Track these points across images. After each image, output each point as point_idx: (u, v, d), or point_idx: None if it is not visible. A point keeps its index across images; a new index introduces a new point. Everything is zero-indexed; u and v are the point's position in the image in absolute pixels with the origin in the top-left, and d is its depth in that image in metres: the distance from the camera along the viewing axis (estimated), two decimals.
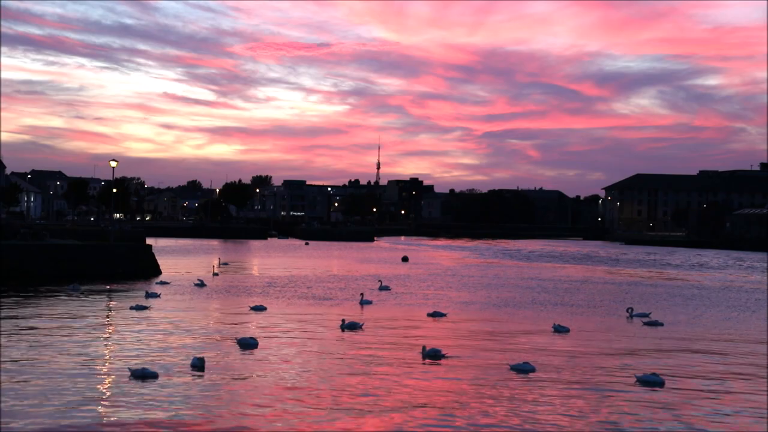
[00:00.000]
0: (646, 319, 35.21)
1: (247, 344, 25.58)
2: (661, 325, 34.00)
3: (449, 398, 19.20)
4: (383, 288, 47.42)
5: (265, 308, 35.95)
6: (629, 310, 37.81)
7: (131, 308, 34.98)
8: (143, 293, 40.69)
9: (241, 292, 44.81)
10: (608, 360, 25.12)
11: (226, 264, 63.44)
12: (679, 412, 18.36)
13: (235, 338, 26.49)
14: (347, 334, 29.35)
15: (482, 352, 26.08)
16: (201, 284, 47.10)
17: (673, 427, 17.12)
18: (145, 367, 20.95)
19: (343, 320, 30.95)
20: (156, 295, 40.06)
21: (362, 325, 30.65)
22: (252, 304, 37.07)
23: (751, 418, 18.05)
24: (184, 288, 45.82)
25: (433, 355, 24.33)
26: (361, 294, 41.41)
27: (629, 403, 18.98)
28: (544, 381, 21.27)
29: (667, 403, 19.10)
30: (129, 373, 20.53)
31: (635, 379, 21.44)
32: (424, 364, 23.60)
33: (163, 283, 47.33)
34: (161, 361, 22.58)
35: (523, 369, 22.37)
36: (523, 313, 38.36)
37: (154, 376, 20.33)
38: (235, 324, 31.60)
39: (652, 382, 21.08)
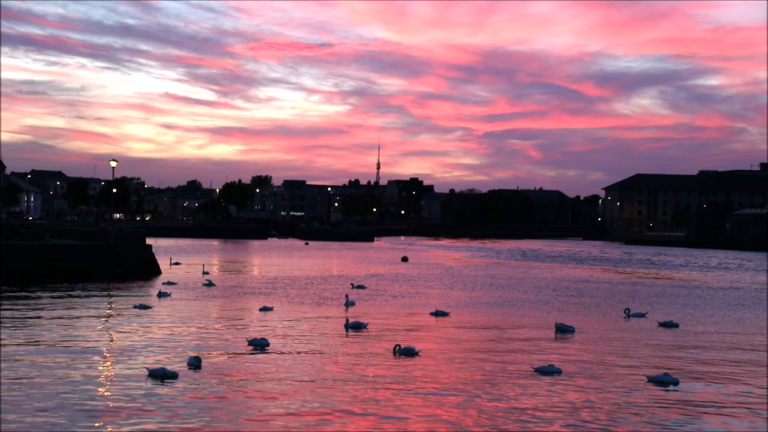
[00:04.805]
0: (662, 320, 34.81)
1: (259, 344, 25.47)
2: (677, 326, 33.72)
3: (471, 397, 19.07)
4: (357, 286, 47.94)
5: (271, 308, 35.97)
6: (626, 311, 37.64)
7: (134, 307, 34.93)
8: (147, 293, 40.85)
9: (247, 293, 44.75)
10: (629, 361, 24.89)
11: (177, 264, 63.42)
12: (693, 412, 18.29)
13: (247, 339, 26.36)
14: (352, 333, 29.23)
15: (495, 353, 25.93)
16: (209, 284, 47.20)
17: (686, 427, 17.05)
18: (164, 366, 20.60)
19: (347, 320, 30.80)
20: (167, 295, 40.13)
21: (366, 325, 30.49)
22: (260, 305, 37.05)
23: (761, 420, 17.94)
24: (191, 288, 45.74)
25: (406, 353, 24.36)
26: (346, 295, 41.33)
27: (649, 403, 18.89)
28: (570, 383, 20.89)
29: (681, 402, 19.06)
30: (147, 373, 20.21)
31: (647, 380, 21.33)
32: (436, 363, 23.47)
33: (170, 283, 47.18)
34: (165, 361, 22.35)
35: (548, 371, 21.96)
36: (524, 312, 38.30)
37: (173, 376, 19.92)
38: (245, 324, 31.56)
39: (665, 382, 20.91)
